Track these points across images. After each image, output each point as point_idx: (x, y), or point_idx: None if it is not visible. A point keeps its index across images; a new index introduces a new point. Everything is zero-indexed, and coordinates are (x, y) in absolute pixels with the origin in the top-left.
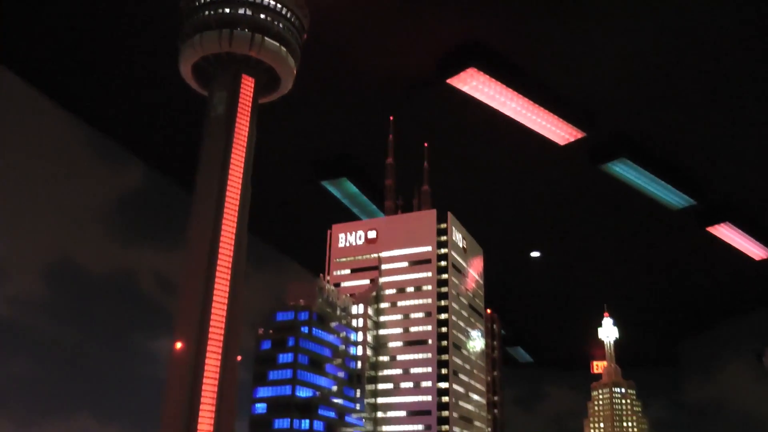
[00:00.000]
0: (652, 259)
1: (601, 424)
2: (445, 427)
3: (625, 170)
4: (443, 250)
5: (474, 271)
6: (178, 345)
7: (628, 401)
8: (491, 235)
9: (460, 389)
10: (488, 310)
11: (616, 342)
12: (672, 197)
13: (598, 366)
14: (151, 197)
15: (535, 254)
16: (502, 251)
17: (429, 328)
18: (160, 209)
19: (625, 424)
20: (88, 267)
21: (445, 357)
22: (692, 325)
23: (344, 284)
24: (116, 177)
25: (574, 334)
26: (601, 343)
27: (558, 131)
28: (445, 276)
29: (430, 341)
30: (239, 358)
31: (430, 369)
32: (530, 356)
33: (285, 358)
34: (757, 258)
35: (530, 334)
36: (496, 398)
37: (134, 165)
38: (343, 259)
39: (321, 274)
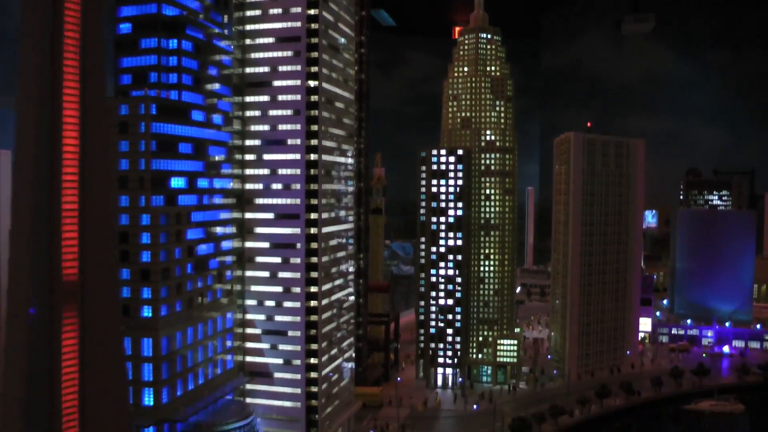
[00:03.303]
0: None
1: (465, 69)
2: (314, 69)
3: None
4: None
5: None
6: None
7: (493, 47)
8: None
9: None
10: None
11: None
12: None
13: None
14: None
15: None
16: None
17: None
18: None
19: (488, 68)
20: None
21: None
22: None
23: None
24: None
25: None
26: (465, 7)
27: None
28: None
29: None
30: None
31: None
32: (393, 20)
33: None
34: None
35: None
36: (363, 50)
37: None
38: None
39: None
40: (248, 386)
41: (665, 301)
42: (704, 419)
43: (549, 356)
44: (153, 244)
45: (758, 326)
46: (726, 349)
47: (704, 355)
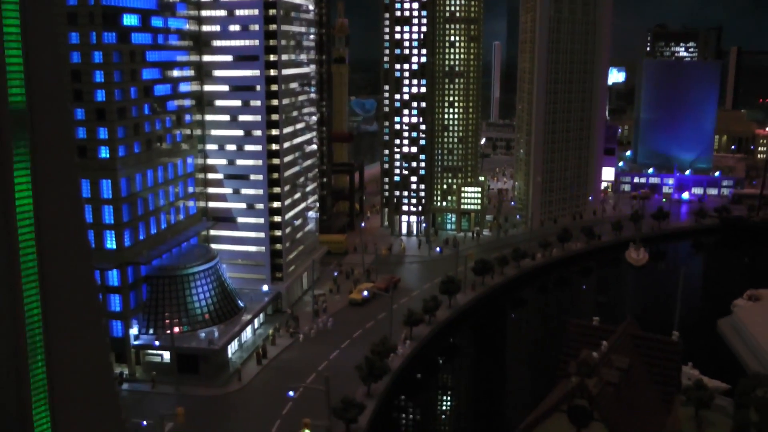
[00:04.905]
0: None
1: None
2: None
3: None
4: None
5: None
6: None
7: None
8: None
9: None
10: None
11: None
12: None
13: None
14: None
15: None
16: None
17: None
18: None
19: None
20: None
21: None
22: None
23: None
24: None
25: None
26: None
27: None
28: None
29: None
30: None
31: None
32: None
33: None
34: None
35: None
36: None
37: None
38: None
39: None
40: (212, 232)
41: (629, 153)
42: (647, 267)
43: (512, 202)
44: (107, 83)
45: (717, 174)
46: (686, 195)
47: (664, 200)
